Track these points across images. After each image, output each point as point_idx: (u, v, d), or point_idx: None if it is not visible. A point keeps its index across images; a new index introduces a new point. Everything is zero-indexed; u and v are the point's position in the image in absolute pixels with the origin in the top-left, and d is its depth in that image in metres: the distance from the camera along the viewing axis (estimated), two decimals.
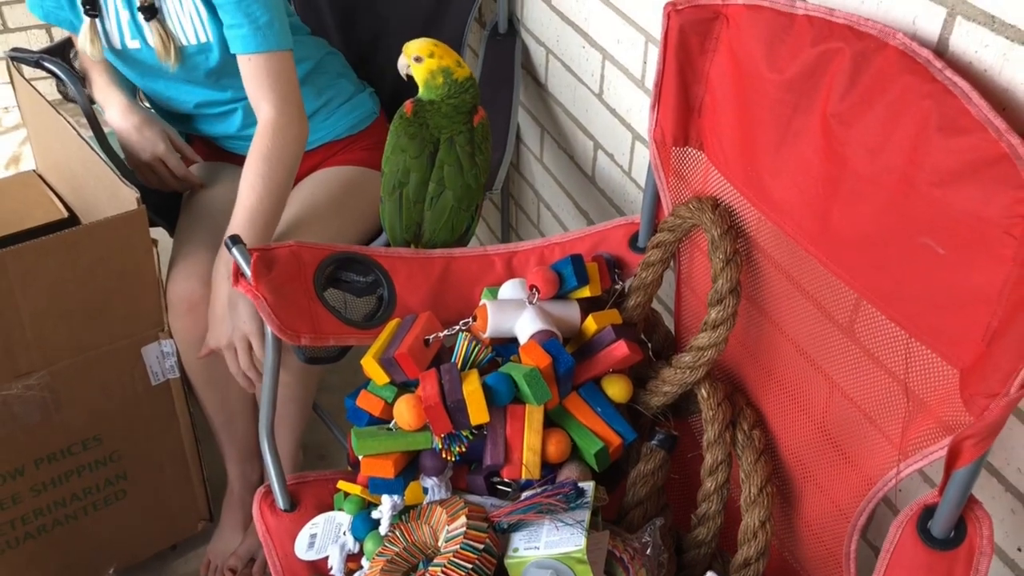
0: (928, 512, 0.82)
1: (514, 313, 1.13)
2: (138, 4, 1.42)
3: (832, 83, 0.88)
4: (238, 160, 1.66)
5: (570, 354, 1.08)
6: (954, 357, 0.81)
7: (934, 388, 0.85)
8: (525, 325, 1.11)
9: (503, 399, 1.03)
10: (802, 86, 0.91)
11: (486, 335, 1.12)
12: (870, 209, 0.86)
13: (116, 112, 1.52)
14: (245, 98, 1.55)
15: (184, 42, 1.45)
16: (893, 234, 0.84)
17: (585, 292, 1.16)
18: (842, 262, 0.92)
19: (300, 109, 1.44)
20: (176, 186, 1.58)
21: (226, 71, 1.50)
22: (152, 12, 1.42)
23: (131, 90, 1.58)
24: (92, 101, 1.61)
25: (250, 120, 1.60)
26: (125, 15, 1.45)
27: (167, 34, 1.43)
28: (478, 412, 1.00)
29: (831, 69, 0.88)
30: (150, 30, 1.44)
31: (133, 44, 1.47)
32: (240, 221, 1.37)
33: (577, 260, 1.16)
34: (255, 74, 1.40)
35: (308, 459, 1.79)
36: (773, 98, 0.95)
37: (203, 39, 1.45)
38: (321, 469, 1.24)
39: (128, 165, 1.56)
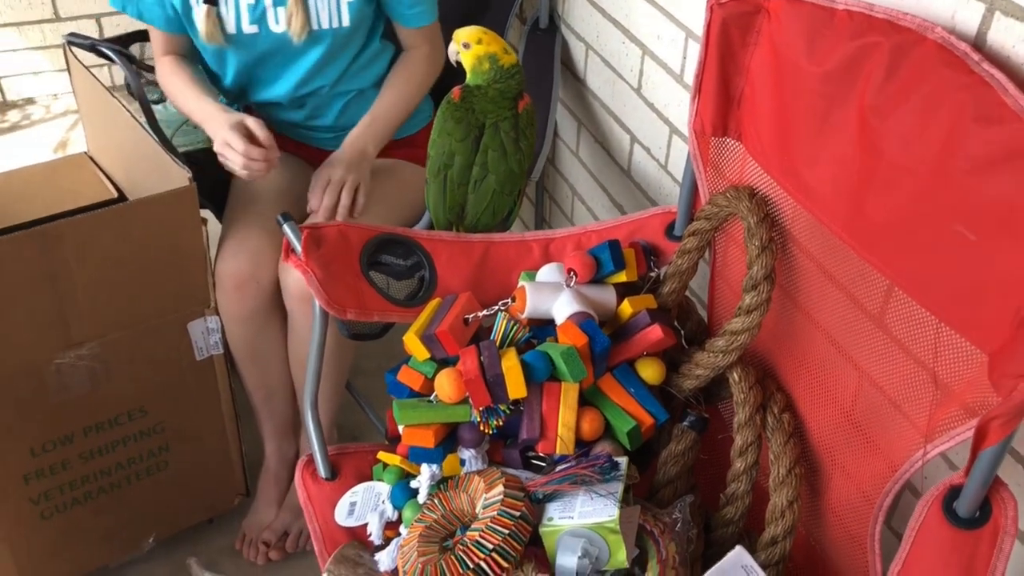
0: (954, 492, 0.84)
1: (551, 295, 1.16)
2: None
3: (870, 76, 0.90)
4: (291, 147, 1.71)
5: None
6: (983, 341, 0.84)
7: (962, 373, 0.88)
8: (562, 307, 1.14)
9: (540, 375, 1.06)
10: (840, 79, 0.94)
11: (524, 315, 1.16)
12: (904, 197, 0.89)
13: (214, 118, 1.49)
14: (319, 94, 1.61)
15: (315, 25, 1.50)
16: (926, 222, 0.87)
17: (621, 277, 1.20)
18: (875, 249, 0.95)
19: (443, 52, 1.61)
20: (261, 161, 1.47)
21: (333, 59, 1.57)
22: None
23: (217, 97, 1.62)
24: (141, 78, 1.66)
25: (316, 113, 1.65)
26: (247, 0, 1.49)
27: (304, 12, 1.48)
28: (516, 386, 1.04)
29: (869, 62, 0.90)
30: (275, 12, 1.48)
31: (251, 29, 1.51)
32: (364, 122, 1.56)
33: (615, 245, 1.19)
34: (426, 38, 1.62)
35: (342, 439, 1.83)
36: (812, 90, 0.98)
37: (335, 24, 1.51)
38: None
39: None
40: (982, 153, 0.79)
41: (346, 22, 1.51)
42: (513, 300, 1.18)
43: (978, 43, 0.88)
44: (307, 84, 1.59)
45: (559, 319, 1.14)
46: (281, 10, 1.49)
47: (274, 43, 1.53)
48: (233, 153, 1.42)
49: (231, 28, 1.51)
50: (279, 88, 1.60)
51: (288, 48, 1.53)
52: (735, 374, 1.09)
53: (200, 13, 1.49)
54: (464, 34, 1.30)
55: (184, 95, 1.56)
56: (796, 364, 1.13)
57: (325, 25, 1.51)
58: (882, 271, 0.95)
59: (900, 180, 0.89)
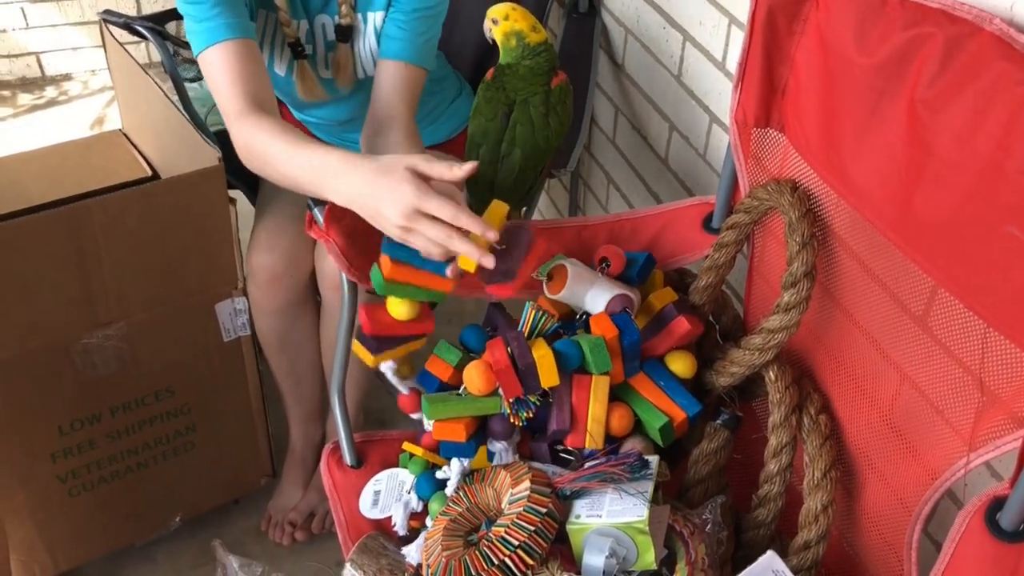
0: (998, 504, 0.81)
1: (590, 278, 1.13)
2: (336, 22, 1.40)
3: (922, 68, 0.87)
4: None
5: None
6: None
7: (1010, 380, 0.84)
8: (603, 289, 1.11)
9: (571, 363, 1.05)
10: (891, 71, 0.90)
11: (559, 295, 1.12)
12: (954, 196, 0.85)
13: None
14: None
15: (361, 74, 1.46)
16: (977, 222, 0.83)
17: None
18: (921, 249, 0.91)
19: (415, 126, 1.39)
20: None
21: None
22: (347, 35, 1.40)
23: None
24: (176, 56, 1.64)
25: (356, 127, 1.60)
26: (321, 50, 1.45)
27: (353, 61, 1.43)
28: (548, 375, 1.02)
29: (921, 54, 0.87)
30: (327, 58, 1.44)
31: (326, 74, 1.47)
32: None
33: (649, 261, 1.17)
34: (395, 81, 1.35)
35: (368, 424, 1.82)
36: (860, 82, 0.94)
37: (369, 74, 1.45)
38: None
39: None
40: None
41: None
42: (550, 278, 1.15)
43: None
44: (351, 119, 1.55)
45: (599, 302, 1.11)
46: (330, 55, 1.45)
47: (324, 90, 1.48)
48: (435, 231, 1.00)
49: (281, 71, 1.44)
50: (319, 115, 1.57)
51: (332, 92, 1.49)
52: (771, 373, 1.07)
53: (295, 73, 1.43)
54: (494, 10, 1.29)
55: (293, 152, 1.13)
56: (834, 364, 1.09)
57: (371, 74, 1.44)
58: (928, 271, 0.92)
59: (951, 177, 0.85)
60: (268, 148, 1.15)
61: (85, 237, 1.29)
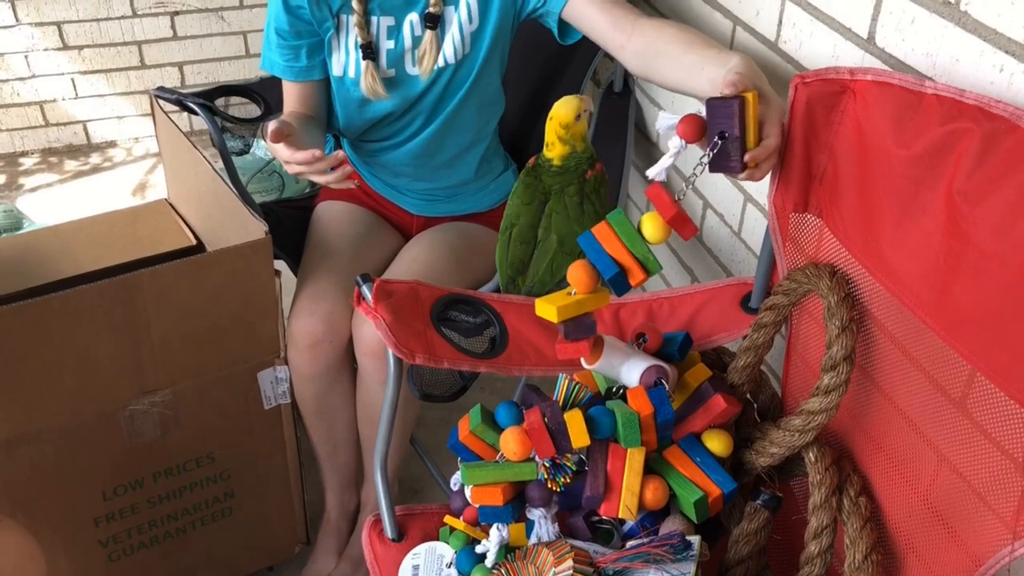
0: None
1: (625, 351, 1.16)
2: (427, 9, 1.47)
3: (959, 161, 0.89)
4: (372, 201, 1.73)
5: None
6: None
7: None
8: (637, 362, 1.13)
9: (604, 430, 1.06)
10: (928, 162, 0.93)
11: (595, 365, 1.14)
12: (994, 286, 0.87)
13: None
14: (430, 154, 1.62)
15: (442, 62, 1.51)
16: (1016, 312, 0.85)
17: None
18: (960, 335, 0.93)
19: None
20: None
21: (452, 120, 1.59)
22: (435, 21, 1.48)
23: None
24: (224, 131, 1.70)
25: (419, 175, 1.66)
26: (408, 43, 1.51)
27: (437, 49, 1.49)
28: (579, 435, 1.04)
29: (959, 147, 0.89)
30: (413, 54, 1.50)
31: (388, 73, 1.53)
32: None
33: (687, 340, 1.19)
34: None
35: (402, 492, 1.83)
36: (898, 172, 0.97)
37: (459, 56, 1.51)
38: (414, 503, 1.28)
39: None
40: None
41: (467, 48, 1.51)
42: None
43: None
44: (421, 131, 1.60)
45: (632, 374, 1.13)
46: (416, 51, 1.50)
47: (407, 86, 1.54)
48: (293, 166, 1.35)
49: (353, 72, 1.53)
50: (400, 133, 1.61)
51: (415, 89, 1.54)
52: (811, 454, 1.08)
53: (364, 71, 1.50)
54: (560, 115, 1.33)
55: None
56: (873, 446, 1.10)
57: (451, 60, 1.51)
58: (967, 358, 0.93)
59: (990, 268, 0.87)
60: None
61: (137, 306, 1.33)
